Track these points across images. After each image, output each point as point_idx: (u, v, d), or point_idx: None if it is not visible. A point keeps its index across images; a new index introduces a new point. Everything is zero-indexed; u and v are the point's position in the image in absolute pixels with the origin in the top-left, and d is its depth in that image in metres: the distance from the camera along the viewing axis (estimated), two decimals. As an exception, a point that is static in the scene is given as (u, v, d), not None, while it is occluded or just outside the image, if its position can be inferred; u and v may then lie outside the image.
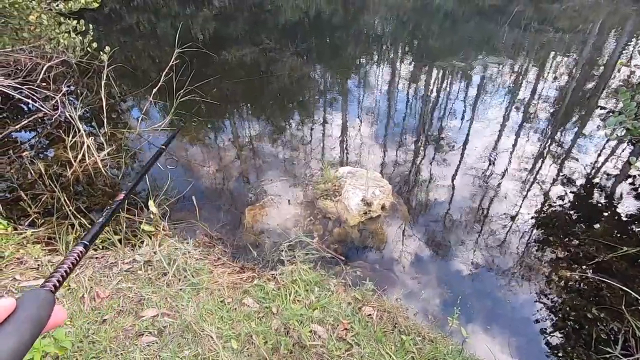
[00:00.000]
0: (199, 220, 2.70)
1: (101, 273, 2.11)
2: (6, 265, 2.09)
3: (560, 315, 2.16)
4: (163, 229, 2.54)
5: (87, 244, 0.58)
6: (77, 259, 0.54)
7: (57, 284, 0.48)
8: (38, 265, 2.12)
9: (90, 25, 4.27)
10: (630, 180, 3.46)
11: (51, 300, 0.43)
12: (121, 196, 0.76)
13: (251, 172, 3.50)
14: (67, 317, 0.45)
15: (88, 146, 3.27)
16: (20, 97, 3.69)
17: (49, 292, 0.44)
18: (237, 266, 2.38)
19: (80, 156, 3.22)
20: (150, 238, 2.39)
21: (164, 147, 1.20)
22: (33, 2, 3.74)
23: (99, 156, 3.27)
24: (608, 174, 3.56)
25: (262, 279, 2.22)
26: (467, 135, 4.19)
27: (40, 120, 3.98)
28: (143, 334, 1.78)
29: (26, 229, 2.40)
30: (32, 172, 3.07)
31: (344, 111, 4.81)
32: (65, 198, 2.57)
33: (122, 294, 1.99)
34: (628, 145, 4.02)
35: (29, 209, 2.63)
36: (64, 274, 0.50)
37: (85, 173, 3.17)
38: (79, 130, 3.33)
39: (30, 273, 2.06)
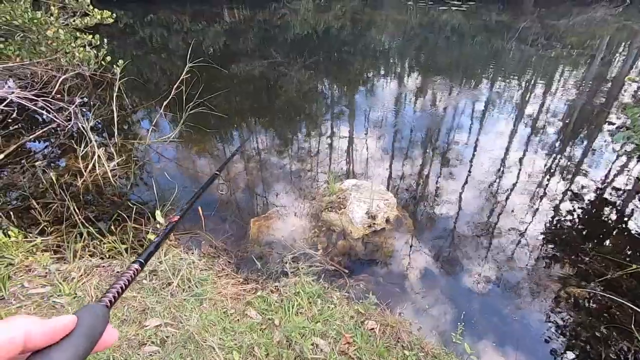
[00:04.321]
0: (204, 231, 2.73)
1: (107, 282, 2.13)
2: (15, 272, 2.13)
3: (568, 334, 2.11)
4: (169, 239, 2.57)
5: (143, 262, 0.59)
6: (133, 276, 0.55)
7: (113, 300, 0.48)
8: (46, 273, 2.16)
9: (105, 40, 4.43)
10: (640, 196, 3.41)
11: (106, 316, 0.43)
12: (175, 218, 0.80)
13: (257, 184, 3.53)
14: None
15: (99, 156, 3.34)
16: (35, 108, 3.81)
17: (104, 308, 0.44)
18: (241, 277, 2.39)
19: (90, 166, 3.30)
20: (156, 248, 2.42)
21: (217, 172, 1.30)
22: (51, 17, 3.90)
23: (108, 166, 3.33)
24: (618, 190, 3.51)
25: (265, 290, 2.22)
26: (475, 149, 4.19)
27: (53, 131, 4.09)
28: (146, 344, 1.78)
29: (36, 237, 2.44)
30: (44, 181, 3.14)
31: (350, 124, 4.85)
32: (75, 207, 2.62)
33: (127, 303, 2.00)
34: (638, 161, 3.98)
35: (39, 217, 2.69)
36: (120, 290, 0.50)
37: (95, 183, 3.23)
38: (91, 141, 3.42)
39: (39, 280, 2.09)
